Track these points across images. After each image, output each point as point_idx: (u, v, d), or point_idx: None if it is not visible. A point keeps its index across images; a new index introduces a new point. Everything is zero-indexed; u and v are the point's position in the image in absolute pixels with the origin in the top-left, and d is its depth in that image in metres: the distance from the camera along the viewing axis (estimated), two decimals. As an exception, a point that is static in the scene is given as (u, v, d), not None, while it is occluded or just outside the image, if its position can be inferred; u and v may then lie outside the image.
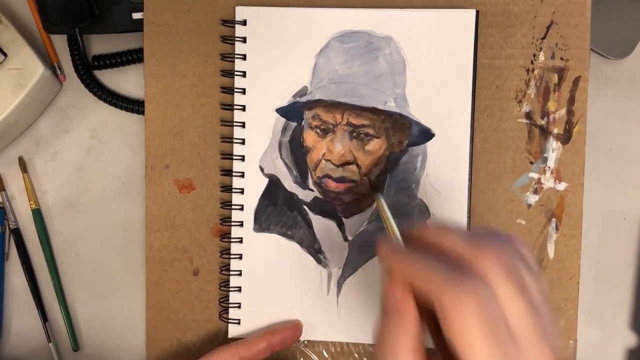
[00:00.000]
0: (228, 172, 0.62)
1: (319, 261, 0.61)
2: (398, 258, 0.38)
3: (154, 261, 0.63)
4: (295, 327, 0.61)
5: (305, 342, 0.62)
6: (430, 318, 0.37)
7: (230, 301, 0.62)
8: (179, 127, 0.62)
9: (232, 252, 0.62)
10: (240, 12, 0.61)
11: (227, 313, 0.62)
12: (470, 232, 0.40)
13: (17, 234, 0.67)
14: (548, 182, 0.62)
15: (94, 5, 0.61)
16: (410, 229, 0.40)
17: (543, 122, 0.62)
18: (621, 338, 0.67)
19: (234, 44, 0.61)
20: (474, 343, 0.33)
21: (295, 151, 0.61)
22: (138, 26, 0.63)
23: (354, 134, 0.60)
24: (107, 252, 0.67)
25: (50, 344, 0.66)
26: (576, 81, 0.61)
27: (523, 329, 0.35)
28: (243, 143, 0.61)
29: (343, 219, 0.61)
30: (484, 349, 0.33)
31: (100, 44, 0.68)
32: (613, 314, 0.67)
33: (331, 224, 0.61)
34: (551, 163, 0.62)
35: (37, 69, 0.63)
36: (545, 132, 0.62)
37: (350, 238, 0.61)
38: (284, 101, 0.61)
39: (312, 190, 0.61)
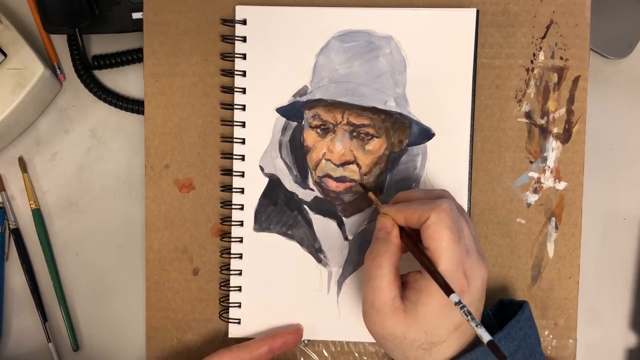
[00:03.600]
0: (228, 172, 0.62)
1: (319, 260, 0.61)
2: (395, 207, 0.53)
3: (154, 261, 0.63)
4: (296, 331, 0.61)
5: (306, 341, 0.62)
6: (409, 242, 0.52)
7: (230, 301, 0.62)
8: (179, 126, 0.62)
9: (232, 251, 0.62)
10: (241, 12, 0.61)
11: (228, 313, 0.62)
12: (424, 188, 0.60)
13: (17, 234, 0.67)
14: (548, 181, 0.62)
15: (94, 5, 0.61)
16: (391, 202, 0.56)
17: (543, 122, 0.62)
18: (621, 338, 0.67)
19: (234, 44, 0.61)
20: (446, 244, 0.49)
21: (296, 151, 0.61)
22: (138, 26, 0.63)
23: (354, 133, 0.60)
24: (107, 252, 0.67)
25: (50, 344, 0.66)
26: (576, 81, 0.61)
27: (470, 244, 0.51)
28: (243, 142, 0.61)
29: (343, 218, 0.61)
30: (450, 247, 0.49)
31: (100, 44, 0.68)
32: (613, 313, 0.67)
33: (331, 224, 0.61)
34: (551, 162, 0.62)
35: (37, 69, 0.63)
36: (545, 132, 0.62)
37: (350, 237, 0.61)
38: (284, 101, 0.61)
39: (313, 190, 0.61)
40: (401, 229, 0.53)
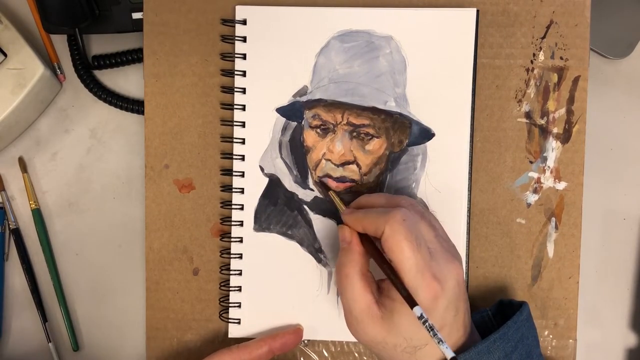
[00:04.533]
0: (228, 172, 0.62)
1: (319, 260, 0.61)
2: (353, 215, 0.54)
3: (154, 261, 0.63)
4: (296, 331, 0.61)
5: (306, 341, 0.62)
6: (373, 251, 0.52)
7: (230, 301, 0.62)
8: (178, 126, 0.62)
9: (232, 251, 0.62)
10: (241, 12, 0.61)
11: (227, 313, 0.62)
12: (387, 194, 0.58)
13: (17, 234, 0.67)
14: (548, 181, 0.62)
15: (94, 5, 0.61)
16: (353, 205, 0.56)
17: (543, 122, 0.62)
18: (621, 338, 0.67)
19: (234, 44, 0.61)
20: (406, 254, 0.48)
21: (296, 151, 0.61)
22: (138, 26, 0.63)
23: (354, 133, 0.60)
24: (107, 252, 0.67)
25: (50, 344, 0.66)
26: (576, 81, 0.61)
27: (435, 246, 0.50)
28: (243, 143, 0.61)
29: (343, 218, 0.61)
30: (411, 256, 0.48)
31: (100, 44, 0.68)
32: (613, 313, 0.67)
33: (331, 224, 0.61)
34: (551, 162, 0.62)
35: (37, 69, 0.63)
36: (544, 132, 0.62)
37: (350, 237, 0.61)
38: (284, 101, 0.61)
39: (313, 190, 0.61)
40: (366, 237, 0.53)
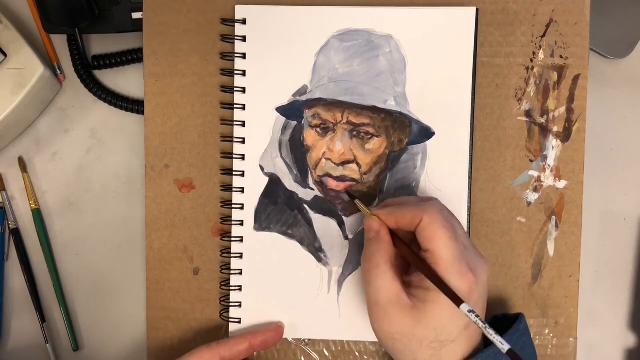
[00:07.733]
0: (228, 171, 0.62)
1: (319, 260, 0.61)
2: (385, 210, 0.53)
3: (154, 260, 0.63)
4: (277, 329, 0.61)
5: (306, 340, 0.62)
6: (401, 246, 0.52)
7: (230, 300, 0.62)
8: (179, 126, 0.62)
9: (232, 251, 0.62)
10: (240, 11, 0.61)
11: (228, 312, 0.62)
12: (415, 197, 0.59)
13: (17, 234, 0.67)
14: (548, 180, 0.62)
15: (94, 5, 0.62)
16: (380, 206, 0.55)
17: (543, 120, 0.62)
18: (620, 337, 0.67)
19: (233, 43, 0.61)
20: (444, 242, 0.48)
21: (296, 150, 0.61)
22: (138, 26, 0.63)
23: (354, 132, 0.60)
24: (107, 252, 0.67)
25: (47, 345, 0.66)
26: (576, 79, 0.61)
27: (467, 242, 0.51)
28: (243, 142, 0.61)
29: (343, 217, 0.61)
30: (450, 244, 0.48)
31: (100, 44, 0.68)
32: (612, 313, 0.67)
33: (332, 223, 0.61)
34: (551, 161, 0.62)
35: (37, 69, 0.63)
36: (545, 130, 0.62)
37: (350, 236, 0.61)
38: (284, 100, 0.61)
39: (313, 189, 0.61)
40: (398, 237, 0.52)
